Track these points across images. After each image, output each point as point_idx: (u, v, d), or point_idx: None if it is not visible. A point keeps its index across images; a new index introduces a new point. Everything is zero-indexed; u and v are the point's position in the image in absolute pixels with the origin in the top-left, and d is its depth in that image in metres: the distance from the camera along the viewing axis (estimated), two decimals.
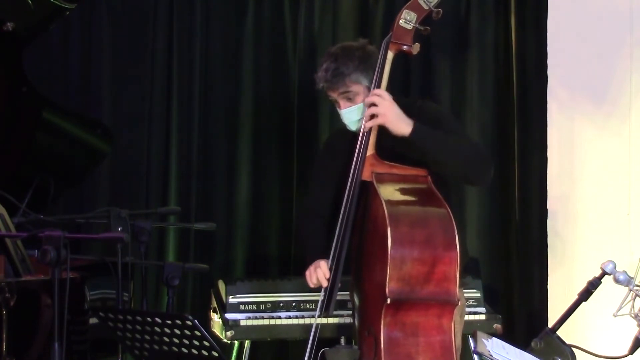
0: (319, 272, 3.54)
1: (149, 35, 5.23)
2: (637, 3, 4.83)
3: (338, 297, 3.54)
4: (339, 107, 3.65)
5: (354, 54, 3.63)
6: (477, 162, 3.55)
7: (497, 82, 5.32)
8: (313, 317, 4.31)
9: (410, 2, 3.57)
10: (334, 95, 3.65)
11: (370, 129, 3.51)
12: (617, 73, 4.86)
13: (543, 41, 5.06)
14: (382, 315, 3.33)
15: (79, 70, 5.20)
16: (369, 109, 3.50)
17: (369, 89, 3.61)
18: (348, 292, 3.70)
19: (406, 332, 3.36)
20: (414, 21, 3.54)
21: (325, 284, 3.53)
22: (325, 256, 3.60)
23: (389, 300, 3.31)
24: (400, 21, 3.55)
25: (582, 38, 4.92)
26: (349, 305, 3.97)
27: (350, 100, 3.62)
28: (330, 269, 3.53)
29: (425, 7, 3.54)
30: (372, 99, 3.50)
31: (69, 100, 5.08)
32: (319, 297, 3.61)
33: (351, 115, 3.63)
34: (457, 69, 5.31)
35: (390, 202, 3.40)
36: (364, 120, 3.53)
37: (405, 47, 3.56)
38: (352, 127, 3.65)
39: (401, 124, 3.46)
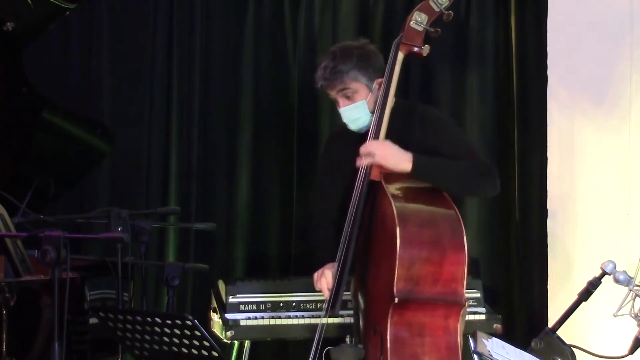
0: (323, 282, 3.56)
1: (149, 35, 5.23)
2: (637, 3, 4.83)
3: (343, 297, 3.55)
4: (338, 105, 3.66)
5: (352, 52, 3.64)
6: (480, 182, 3.59)
7: (497, 82, 5.32)
8: (313, 317, 4.34)
9: (421, 3, 3.58)
10: (332, 93, 3.66)
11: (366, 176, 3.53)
12: (617, 73, 4.85)
13: (543, 41, 5.06)
14: (390, 315, 3.33)
15: (79, 70, 5.21)
16: (366, 159, 3.50)
17: (368, 87, 3.62)
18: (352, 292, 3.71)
19: (413, 331, 3.36)
20: (424, 23, 3.56)
21: (326, 294, 3.55)
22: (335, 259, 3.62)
23: (396, 300, 3.32)
24: (411, 22, 3.57)
25: (582, 38, 4.92)
26: (351, 304, 3.97)
27: (349, 98, 3.63)
28: (336, 269, 3.54)
29: (437, 9, 3.56)
30: (366, 150, 3.50)
31: (69, 100, 5.08)
32: (323, 297, 3.62)
33: (350, 114, 3.64)
34: (457, 69, 5.31)
35: (399, 202, 3.40)
36: (361, 160, 3.53)
37: (415, 49, 3.58)
38: (352, 125, 3.66)
39: (400, 163, 3.48)
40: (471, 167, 3.56)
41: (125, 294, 3.81)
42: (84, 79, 5.21)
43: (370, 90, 3.63)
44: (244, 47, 5.27)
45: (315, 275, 3.63)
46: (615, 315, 3.30)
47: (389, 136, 3.54)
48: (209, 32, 5.28)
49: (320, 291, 3.65)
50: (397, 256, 3.32)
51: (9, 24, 4.22)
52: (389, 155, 3.48)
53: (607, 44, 4.88)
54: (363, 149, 3.51)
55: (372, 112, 3.63)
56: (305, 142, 5.22)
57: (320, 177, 3.94)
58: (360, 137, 3.62)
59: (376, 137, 3.53)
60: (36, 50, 4.78)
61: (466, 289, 3.88)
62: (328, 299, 3.55)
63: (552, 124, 5.03)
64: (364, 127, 3.65)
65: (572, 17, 4.95)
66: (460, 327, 3.60)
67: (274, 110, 5.33)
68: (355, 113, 3.63)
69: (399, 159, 3.48)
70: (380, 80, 3.63)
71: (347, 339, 3.54)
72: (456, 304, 3.39)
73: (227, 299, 4.49)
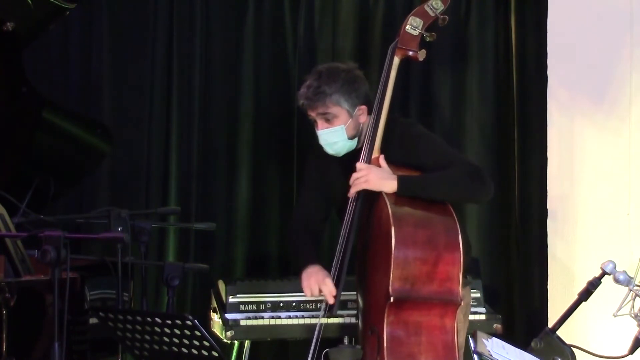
0: (325, 289, 3.56)
1: (149, 36, 5.23)
2: (637, 3, 4.83)
3: (341, 297, 3.55)
4: (317, 127, 3.66)
5: (338, 75, 3.64)
6: (470, 187, 3.57)
7: (497, 82, 5.32)
8: (313, 317, 4.35)
9: (416, 9, 3.61)
10: (312, 114, 3.67)
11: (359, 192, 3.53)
12: (617, 73, 4.85)
13: (543, 41, 5.06)
14: (386, 314, 3.35)
15: (79, 70, 5.20)
16: (355, 185, 3.51)
17: (349, 113, 3.62)
18: (351, 292, 3.71)
19: (409, 331, 3.38)
20: (420, 27, 3.58)
21: (332, 301, 3.56)
22: (318, 262, 3.61)
23: (392, 299, 3.34)
24: (407, 27, 3.59)
25: (582, 38, 4.92)
26: (349, 305, 3.98)
27: (329, 121, 3.64)
28: (334, 270, 3.55)
29: (432, 14, 3.58)
30: (354, 175, 3.52)
31: (69, 100, 5.08)
32: (321, 297, 3.62)
33: (328, 137, 3.65)
34: (457, 69, 5.31)
35: (394, 203, 3.43)
36: (350, 188, 3.54)
37: (411, 53, 3.60)
38: (328, 149, 3.66)
39: (386, 184, 3.49)
40: (458, 174, 3.54)
41: (125, 294, 3.81)
42: (84, 79, 5.21)
43: (351, 116, 3.63)
44: (244, 47, 5.27)
45: (305, 283, 3.62)
46: (615, 315, 3.29)
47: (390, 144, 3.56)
48: (209, 32, 5.28)
49: (311, 297, 3.66)
50: (392, 256, 3.34)
51: (9, 24, 4.22)
52: (374, 176, 3.50)
53: (607, 44, 4.88)
54: (354, 174, 3.53)
55: (351, 138, 3.64)
56: (305, 142, 5.20)
57: (306, 189, 3.92)
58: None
59: (371, 147, 3.55)
60: (36, 50, 4.78)
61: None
62: (328, 303, 3.56)
63: (552, 124, 5.03)
64: (341, 152, 3.66)
65: (572, 17, 4.95)
66: (462, 326, 3.62)
67: (274, 110, 5.33)
68: (333, 137, 3.63)
69: (384, 180, 3.49)
70: (363, 107, 3.63)
71: (346, 340, 3.54)
72: (452, 303, 3.41)
73: (227, 299, 4.49)
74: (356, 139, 3.65)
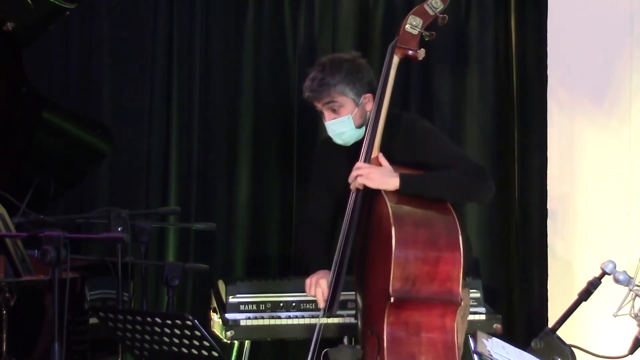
0: (318, 292, 3.57)
1: (149, 35, 5.23)
2: (637, 3, 4.83)
3: (341, 297, 3.56)
4: (324, 118, 3.67)
5: (342, 66, 3.64)
6: (474, 187, 3.59)
7: (497, 82, 5.32)
8: (313, 317, 4.35)
9: (416, 8, 3.61)
10: (318, 105, 3.68)
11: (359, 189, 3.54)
12: (617, 73, 4.86)
13: (543, 41, 5.07)
14: (386, 315, 3.35)
15: (79, 70, 5.21)
16: (355, 181, 3.52)
17: (355, 102, 3.62)
18: (352, 292, 3.71)
19: (409, 331, 3.38)
20: (419, 26, 3.58)
21: (322, 304, 3.56)
22: (327, 267, 3.62)
23: (392, 299, 3.34)
24: (407, 26, 3.59)
25: (582, 38, 4.92)
26: (349, 305, 3.97)
27: (335, 111, 3.64)
28: (334, 270, 3.55)
29: (431, 13, 3.58)
30: (354, 173, 3.52)
31: (69, 100, 5.08)
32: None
33: (335, 128, 3.65)
34: (457, 69, 5.31)
35: (394, 203, 3.43)
36: (351, 183, 3.54)
37: (410, 52, 3.59)
38: (337, 139, 3.67)
39: (388, 181, 3.49)
40: (462, 174, 3.56)
41: (125, 294, 3.81)
42: (84, 79, 5.21)
43: (357, 105, 3.63)
44: (244, 47, 5.28)
45: (308, 281, 3.64)
46: (615, 315, 3.29)
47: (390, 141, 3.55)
48: (209, 32, 5.28)
49: (313, 297, 3.66)
50: (393, 256, 3.34)
51: (9, 24, 4.22)
52: (376, 175, 3.50)
53: (607, 44, 4.88)
54: (352, 172, 3.54)
55: (358, 127, 3.65)
56: (305, 142, 5.22)
57: (312, 187, 3.92)
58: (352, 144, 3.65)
59: (370, 146, 3.55)
60: (36, 50, 4.78)
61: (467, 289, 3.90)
62: (325, 305, 3.56)
63: (552, 124, 5.03)
64: (350, 141, 3.66)
65: (572, 17, 4.96)
66: (461, 327, 3.62)
67: (274, 110, 5.33)
68: (340, 127, 3.64)
69: (386, 178, 3.49)
70: (368, 95, 3.63)
71: (345, 340, 3.55)
72: (452, 303, 3.41)
73: (227, 299, 4.49)
74: (363, 128, 3.64)
